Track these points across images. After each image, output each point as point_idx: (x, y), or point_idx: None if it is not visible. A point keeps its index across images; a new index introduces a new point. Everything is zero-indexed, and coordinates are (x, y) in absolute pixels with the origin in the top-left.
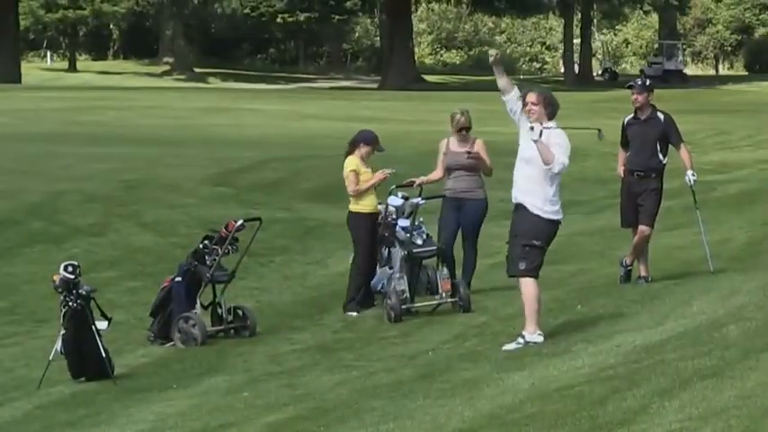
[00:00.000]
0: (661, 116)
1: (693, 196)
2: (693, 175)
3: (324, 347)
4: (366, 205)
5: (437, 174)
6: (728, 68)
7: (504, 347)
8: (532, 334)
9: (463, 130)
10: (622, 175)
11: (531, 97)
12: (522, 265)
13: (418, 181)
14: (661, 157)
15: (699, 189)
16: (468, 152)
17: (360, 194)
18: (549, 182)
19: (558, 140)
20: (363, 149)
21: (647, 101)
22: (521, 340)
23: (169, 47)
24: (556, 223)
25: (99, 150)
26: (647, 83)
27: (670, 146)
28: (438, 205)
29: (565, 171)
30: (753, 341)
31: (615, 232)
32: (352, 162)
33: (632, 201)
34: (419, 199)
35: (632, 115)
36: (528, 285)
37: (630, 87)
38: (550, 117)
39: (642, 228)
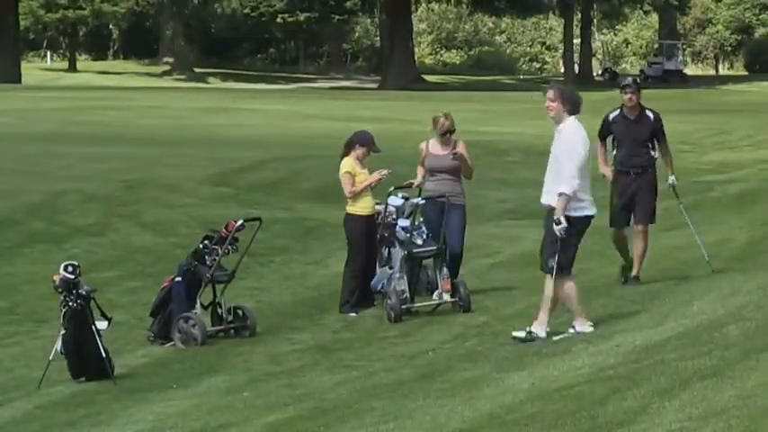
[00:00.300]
0: (650, 114)
1: (676, 196)
2: (674, 180)
3: (324, 347)
4: (362, 207)
5: (420, 175)
6: (728, 68)
7: (554, 338)
8: (582, 325)
9: (447, 134)
10: (610, 177)
11: (549, 93)
12: (551, 263)
13: (416, 182)
14: (653, 153)
15: (698, 189)
16: (454, 153)
17: (356, 196)
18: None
19: (565, 146)
20: (359, 151)
21: (638, 100)
22: (571, 330)
23: (169, 47)
24: (582, 219)
25: (99, 150)
26: (638, 81)
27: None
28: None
29: (576, 179)
30: (753, 341)
31: None
32: (347, 163)
33: (628, 199)
34: (419, 199)
35: (618, 112)
36: (559, 282)
37: (625, 87)
38: (572, 113)
39: (641, 228)
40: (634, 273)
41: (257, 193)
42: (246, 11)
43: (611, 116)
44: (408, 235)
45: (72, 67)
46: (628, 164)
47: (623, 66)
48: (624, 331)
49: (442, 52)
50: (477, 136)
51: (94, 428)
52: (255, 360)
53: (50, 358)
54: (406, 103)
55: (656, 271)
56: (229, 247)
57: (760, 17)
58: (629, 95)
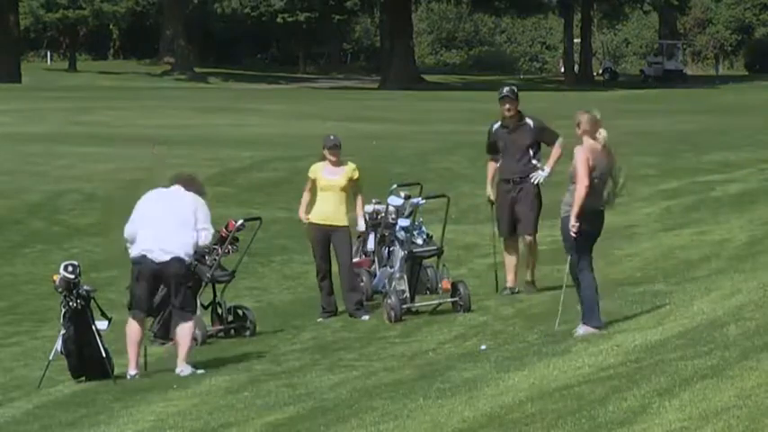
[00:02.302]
0: (530, 122)
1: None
2: (543, 176)
3: (324, 347)
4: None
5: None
6: (728, 68)
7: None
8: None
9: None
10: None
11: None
12: None
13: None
14: (535, 162)
15: (698, 189)
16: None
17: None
18: None
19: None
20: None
21: (517, 110)
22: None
23: (169, 47)
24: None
25: (99, 150)
26: (515, 90)
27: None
28: (438, 205)
29: None
30: (753, 341)
31: (614, 232)
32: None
33: (510, 208)
34: (419, 199)
35: (499, 123)
36: None
37: (504, 98)
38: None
39: (528, 238)
40: (528, 278)
41: (257, 193)
42: (246, 11)
43: (494, 127)
44: (408, 235)
45: (72, 67)
46: (508, 171)
47: (623, 65)
48: (624, 331)
49: (442, 52)
50: (477, 136)
51: (94, 428)
52: (255, 360)
53: (50, 358)
54: (406, 103)
55: (656, 271)
56: (229, 247)
57: (760, 17)
58: (507, 105)
